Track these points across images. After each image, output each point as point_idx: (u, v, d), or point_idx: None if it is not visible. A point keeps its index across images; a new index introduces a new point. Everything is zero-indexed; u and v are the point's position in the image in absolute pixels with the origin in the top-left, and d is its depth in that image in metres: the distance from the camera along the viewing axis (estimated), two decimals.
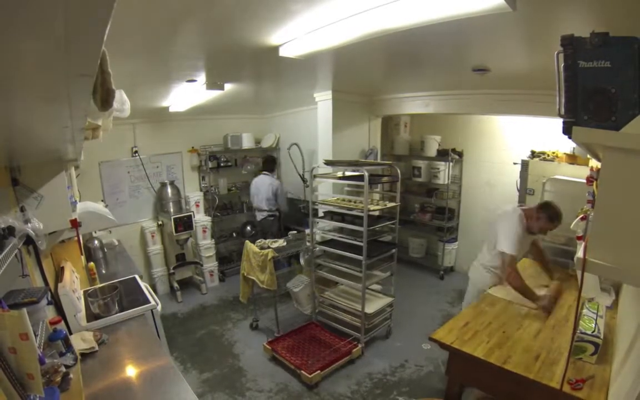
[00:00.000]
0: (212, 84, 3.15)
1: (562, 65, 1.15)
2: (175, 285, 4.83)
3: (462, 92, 3.81)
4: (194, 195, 5.22)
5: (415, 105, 4.36)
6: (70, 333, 2.07)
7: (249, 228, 5.57)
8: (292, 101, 5.16)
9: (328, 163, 3.72)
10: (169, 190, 4.82)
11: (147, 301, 2.57)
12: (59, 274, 2.51)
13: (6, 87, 0.73)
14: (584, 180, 1.97)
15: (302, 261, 4.12)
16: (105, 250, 3.82)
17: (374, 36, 1.88)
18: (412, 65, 3.06)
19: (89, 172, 4.32)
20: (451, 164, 5.03)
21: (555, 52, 1.16)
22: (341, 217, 3.57)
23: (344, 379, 3.18)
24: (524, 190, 3.91)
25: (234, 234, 5.68)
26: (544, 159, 3.84)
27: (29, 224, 1.65)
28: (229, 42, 2.16)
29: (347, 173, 3.71)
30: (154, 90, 3.47)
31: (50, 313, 2.05)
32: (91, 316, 2.34)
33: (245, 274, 3.84)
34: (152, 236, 4.88)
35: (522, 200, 3.85)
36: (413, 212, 5.61)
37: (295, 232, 4.20)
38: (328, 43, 2.07)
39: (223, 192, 5.49)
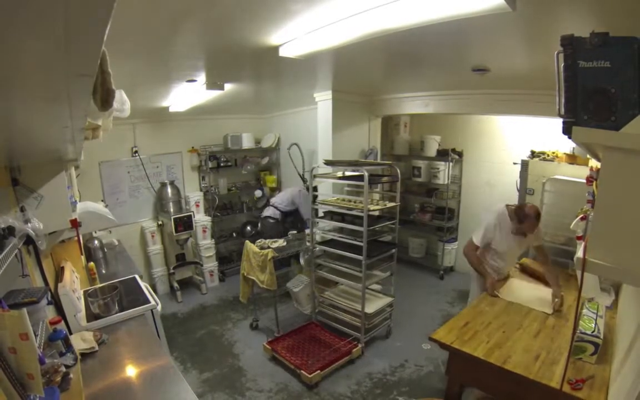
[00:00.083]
0: (212, 84, 3.15)
1: (562, 65, 1.15)
2: (175, 285, 4.82)
3: (462, 92, 3.81)
4: (194, 195, 5.22)
5: (415, 105, 4.36)
6: (70, 333, 2.07)
7: (249, 228, 5.58)
8: (292, 101, 5.16)
9: (328, 163, 3.72)
10: (169, 190, 4.82)
11: (147, 301, 2.57)
12: (59, 274, 2.51)
13: (6, 87, 0.73)
14: (584, 180, 1.97)
15: (302, 261, 4.12)
16: (105, 250, 3.82)
17: (374, 36, 1.88)
18: (412, 65, 3.06)
19: (89, 172, 4.32)
20: (451, 164, 5.03)
21: (555, 52, 1.16)
22: (341, 217, 3.57)
23: (343, 378, 3.18)
24: (523, 190, 3.91)
25: (234, 234, 5.68)
26: (544, 159, 3.84)
27: (29, 224, 1.65)
28: (229, 42, 2.16)
29: (347, 173, 3.71)
30: (154, 90, 3.47)
31: (50, 313, 2.05)
32: (91, 316, 2.34)
33: (245, 274, 3.85)
34: (152, 236, 4.88)
35: (522, 201, 3.85)
36: (413, 212, 5.61)
37: (295, 232, 4.20)
38: (328, 43, 2.07)
39: (223, 192, 5.49)
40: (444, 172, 5.10)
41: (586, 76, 1.10)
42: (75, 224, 2.19)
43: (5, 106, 0.86)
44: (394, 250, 3.66)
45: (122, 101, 1.76)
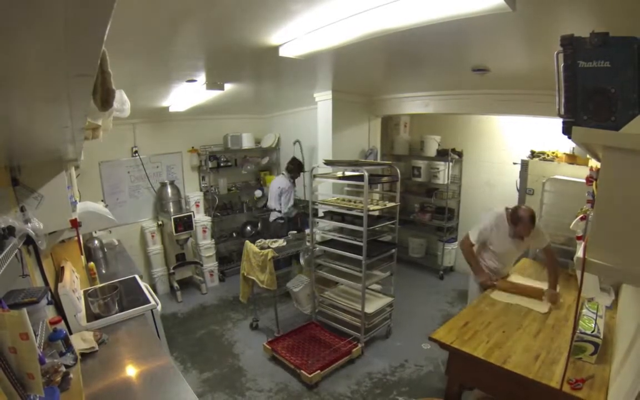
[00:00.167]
0: (212, 84, 3.15)
1: (562, 65, 1.15)
2: (175, 285, 4.83)
3: (462, 92, 3.81)
4: (194, 195, 5.22)
5: (415, 105, 4.36)
6: (70, 333, 2.07)
7: (249, 228, 5.58)
8: (292, 101, 5.16)
9: (328, 163, 3.72)
10: (169, 190, 4.82)
11: (147, 301, 2.57)
12: (59, 273, 2.51)
13: (6, 87, 0.73)
14: (584, 180, 1.97)
15: (302, 261, 4.12)
16: (105, 250, 3.82)
17: (374, 36, 1.88)
18: (412, 65, 3.06)
19: (89, 172, 4.32)
20: (451, 164, 5.03)
21: (555, 52, 1.16)
22: (341, 217, 3.57)
23: (343, 378, 3.18)
24: (523, 190, 3.91)
25: (234, 234, 5.68)
26: (544, 159, 3.84)
27: (29, 224, 1.65)
28: (229, 42, 2.16)
29: (347, 173, 3.71)
30: (154, 90, 3.47)
31: (50, 313, 2.05)
32: (91, 316, 2.34)
33: (245, 274, 3.84)
34: (152, 236, 4.88)
35: (522, 201, 3.85)
36: (413, 212, 5.61)
37: (295, 232, 4.20)
38: (328, 43, 2.07)
39: (223, 192, 5.49)
40: (443, 172, 5.10)
41: (586, 76, 1.11)
42: (75, 224, 2.19)
43: (5, 106, 0.86)
44: (393, 250, 3.66)
45: (122, 101, 1.76)
